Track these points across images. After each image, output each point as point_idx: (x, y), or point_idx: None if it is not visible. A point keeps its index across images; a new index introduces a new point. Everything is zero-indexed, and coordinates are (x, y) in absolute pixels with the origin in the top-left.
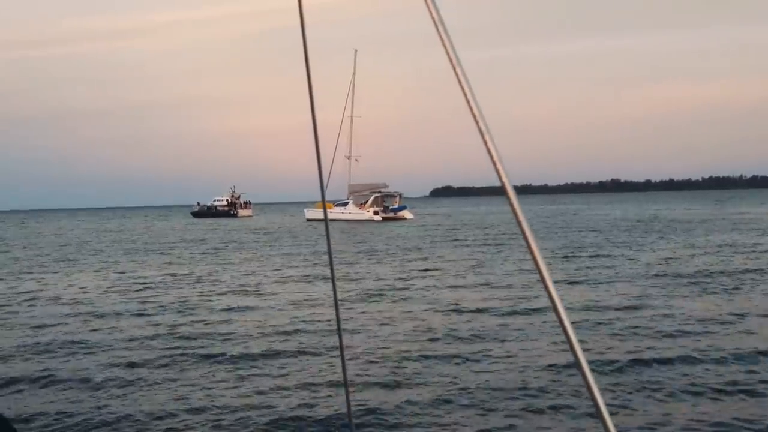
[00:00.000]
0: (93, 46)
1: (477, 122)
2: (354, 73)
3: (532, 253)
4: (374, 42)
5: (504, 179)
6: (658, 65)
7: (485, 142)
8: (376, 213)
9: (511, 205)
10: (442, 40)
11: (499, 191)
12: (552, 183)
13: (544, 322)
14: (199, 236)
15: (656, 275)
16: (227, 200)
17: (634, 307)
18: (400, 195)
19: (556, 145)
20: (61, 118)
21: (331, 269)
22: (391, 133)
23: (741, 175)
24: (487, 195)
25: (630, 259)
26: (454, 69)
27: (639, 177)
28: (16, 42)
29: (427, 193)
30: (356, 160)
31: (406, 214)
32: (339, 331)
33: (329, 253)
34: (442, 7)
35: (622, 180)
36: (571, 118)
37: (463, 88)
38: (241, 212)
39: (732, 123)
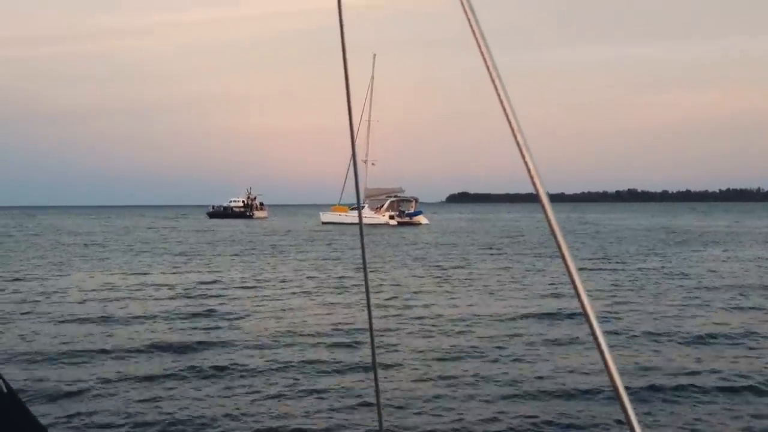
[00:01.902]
0: (105, 44)
1: (512, 128)
2: (372, 77)
3: (565, 261)
4: (392, 45)
5: (539, 188)
6: (676, 74)
7: (520, 149)
8: (391, 217)
9: (546, 214)
10: (479, 45)
11: (515, 198)
12: (569, 191)
13: (577, 332)
14: (222, 237)
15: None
16: (243, 201)
17: (675, 321)
18: (416, 200)
19: (572, 153)
20: (73, 115)
21: (366, 287)
22: (408, 138)
23: (759, 188)
24: (504, 202)
25: (667, 274)
26: (491, 76)
27: (656, 187)
28: (30, 39)
29: (444, 199)
30: (372, 164)
31: (422, 219)
32: (372, 350)
33: (364, 268)
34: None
35: (639, 190)
36: (588, 126)
37: (499, 95)
38: (257, 213)
39: (751, 134)
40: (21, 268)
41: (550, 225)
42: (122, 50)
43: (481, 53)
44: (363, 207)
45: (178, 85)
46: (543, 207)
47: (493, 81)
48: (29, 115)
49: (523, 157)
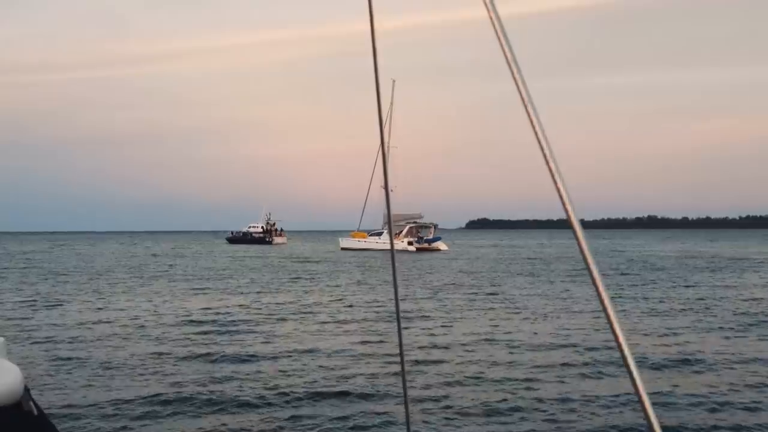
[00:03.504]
0: (131, 71)
1: (545, 154)
2: (392, 104)
3: (597, 288)
4: (412, 71)
5: (571, 214)
6: (696, 102)
7: (552, 175)
8: (410, 243)
9: (578, 240)
10: (512, 72)
11: (535, 225)
12: (588, 218)
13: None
14: (245, 264)
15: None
16: (262, 227)
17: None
18: (435, 226)
19: (592, 179)
20: (99, 142)
21: (397, 315)
22: (428, 164)
23: None
24: (524, 228)
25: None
26: (524, 102)
27: (676, 214)
28: (65, 65)
29: (463, 225)
30: (392, 190)
31: (441, 245)
32: (404, 382)
33: (396, 296)
34: (485, 40)
35: (659, 216)
36: (608, 152)
37: (532, 121)
38: (276, 239)
39: None
40: (60, 292)
41: (582, 251)
42: (147, 76)
43: (515, 79)
44: (382, 233)
45: (196, 112)
46: (575, 233)
47: (525, 107)
48: (61, 140)
49: (555, 182)
